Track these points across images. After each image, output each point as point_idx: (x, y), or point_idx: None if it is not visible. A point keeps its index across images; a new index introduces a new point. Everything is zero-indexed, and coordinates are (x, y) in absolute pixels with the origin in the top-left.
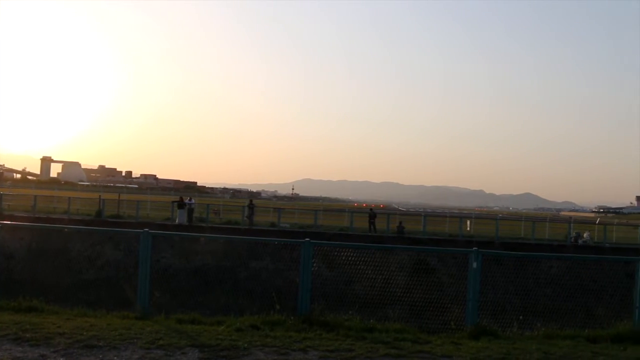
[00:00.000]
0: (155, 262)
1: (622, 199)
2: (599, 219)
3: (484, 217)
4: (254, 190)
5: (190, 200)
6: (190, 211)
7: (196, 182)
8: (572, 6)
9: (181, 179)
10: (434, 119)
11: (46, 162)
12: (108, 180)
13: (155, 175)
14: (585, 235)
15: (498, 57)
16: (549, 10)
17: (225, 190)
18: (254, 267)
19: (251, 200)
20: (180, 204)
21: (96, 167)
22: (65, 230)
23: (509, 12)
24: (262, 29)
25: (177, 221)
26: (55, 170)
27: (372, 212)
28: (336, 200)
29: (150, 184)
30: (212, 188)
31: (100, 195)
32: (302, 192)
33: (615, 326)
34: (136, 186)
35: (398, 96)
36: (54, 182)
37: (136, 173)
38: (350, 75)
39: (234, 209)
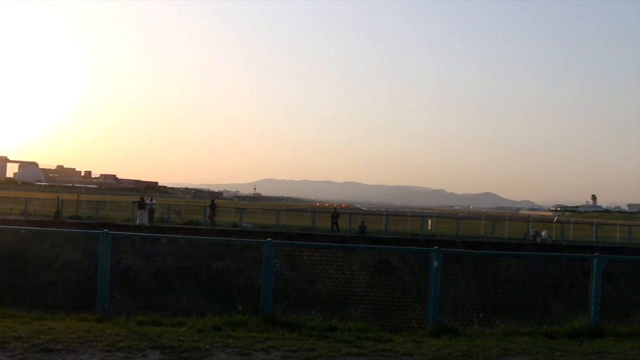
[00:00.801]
0: (116, 264)
1: (578, 198)
2: (556, 218)
3: (444, 216)
4: (216, 190)
5: (151, 200)
6: (151, 212)
7: (157, 182)
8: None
9: (142, 179)
10: (395, 120)
11: (2, 162)
12: (67, 181)
13: (115, 176)
14: (543, 233)
15: (451, 58)
16: (501, 11)
17: (186, 191)
18: (216, 268)
19: (213, 201)
20: (141, 205)
21: (54, 167)
22: (22, 231)
23: (458, 12)
24: (226, 30)
25: (137, 222)
26: (11, 170)
27: (335, 212)
28: (298, 200)
29: (110, 184)
30: (173, 188)
31: (58, 196)
32: (265, 192)
33: (572, 322)
34: (95, 186)
35: (359, 97)
36: (10, 182)
37: (95, 173)
38: (311, 76)
39: (196, 209)
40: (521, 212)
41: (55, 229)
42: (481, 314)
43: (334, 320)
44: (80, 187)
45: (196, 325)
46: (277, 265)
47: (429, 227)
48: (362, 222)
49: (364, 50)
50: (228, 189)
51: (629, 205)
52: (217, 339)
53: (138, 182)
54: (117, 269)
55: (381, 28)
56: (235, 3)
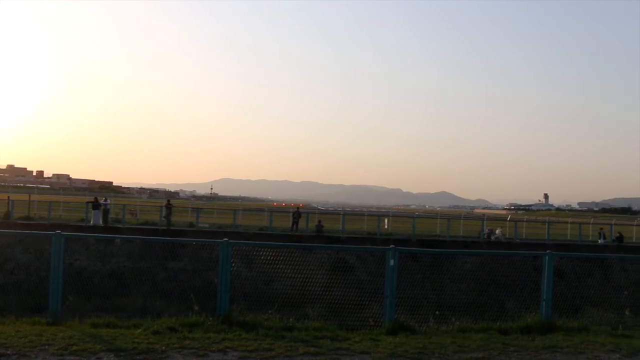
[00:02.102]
0: (69, 265)
1: (531, 196)
2: (510, 216)
3: (401, 215)
4: (172, 190)
5: (105, 200)
6: (106, 212)
7: (112, 182)
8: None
9: (96, 179)
10: (352, 120)
11: None
12: (18, 181)
13: (68, 175)
14: (497, 231)
15: (407, 57)
16: (459, 13)
17: (142, 190)
18: (172, 268)
19: (169, 201)
20: (95, 205)
21: (5, 167)
22: None
23: (418, 14)
24: (180, 30)
25: (91, 222)
26: None
27: (297, 212)
28: (256, 199)
29: (64, 184)
30: (128, 188)
31: (9, 196)
32: (221, 192)
33: (525, 318)
34: (48, 186)
35: (314, 96)
36: None
37: (48, 173)
38: (267, 75)
39: (151, 210)
40: (476, 210)
41: (6, 231)
42: (437, 312)
43: (291, 319)
44: (32, 187)
45: (152, 326)
46: (234, 265)
47: (386, 226)
48: (319, 222)
49: (317, 48)
50: (184, 189)
51: (579, 203)
52: (173, 341)
53: (92, 182)
54: (71, 270)
55: (331, 24)
56: (191, 3)
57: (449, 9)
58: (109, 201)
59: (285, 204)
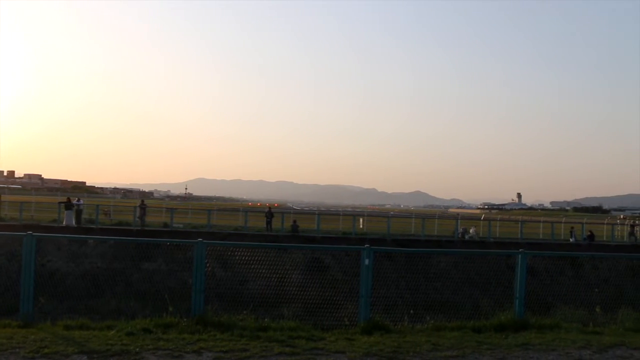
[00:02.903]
0: (41, 267)
1: (504, 196)
2: (483, 215)
3: (376, 215)
4: (146, 190)
5: (78, 200)
6: (79, 212)
7: (85, 182)
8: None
9: (69, 179)
10: (327, 120)
11: None
12: None
13: (40, 175)
14: (471, 230)
15: (376, 56)
16: (431, 14)
17: (115, 191)
18: (146, 269)
19: (143, 201)
20: (68, 205)
21: None
22: None
23: (390, 14)
24: (151, 29)
25: (64, 223)
26: None
27: (269, 212)
28: (230, 199)
29: (35, 184)
30: (102, 188)
31: None
32: (196, 192)
33: (498, 316)
34: (20, 186)
35: (290, 96)
36: None
37: (19, 173)
38: (242, 75)
39: (125, 210)
40: (450, 210)
41: None
42: (411, 311)
43: (266, 319)
44: (3, 188)
45: (126, 328)
46: (208, 265)
47: (361, 226)
48: (295, 221)
49: (292, 48)
50: (159, 189)
51: (551, 202)
52: (147, 342)
53: (65, 182)
54: (43, 272)
55: (306, 24)
56: (165, 2)
57: (424, 9)
58: (82, 201)
59: (260, 204)
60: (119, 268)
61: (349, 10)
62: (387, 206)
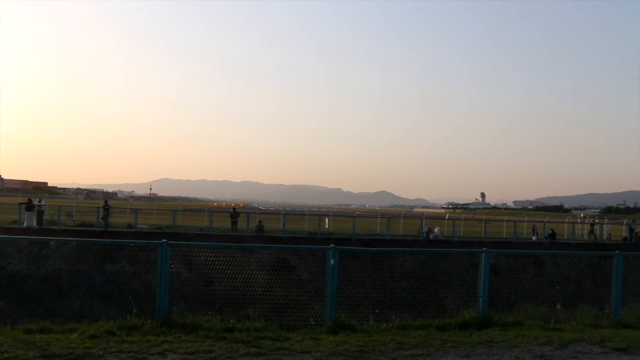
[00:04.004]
0: (0, 269)
1: (469, 195)
2: (448, 215)
3: (341, 214)
4: (110, 190)
5: (39, 201)
6: (40, 213)
7: (47, 183)
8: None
9: (30, 179)
10: (292, 119)
11: None
12: None
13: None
14: (436, 230)
15: (347, 57)
16: (392, 11)
17: (78, 191)
18: (110, 271)
19: (106, 201)
20: (29, 206)
21: None
22: None
23: (354, 12)
24: (121, 25)
25: (25, 224)
26: None
27: (234, 212)
28: (195, 200)
29: None
30: (64, 189)
31: None
32: (161, 192)
33: (462, 314)
34: None
35: (255, 95)
36: None
37: None
38: (206, 74)
39: (88, 211)
40: (415, 209)
41: None
42: (377, 310)
43: (232, 320)
44: None
45: (88, 330)
46: (173, 266)
47: (326, 226)
48: (260, 222)
49: (255, 47)
50: (122, 189)
51: (514, 202)
52: (110, 345)
53: (25, 182)
54: (2, 274)
55: (270, 23)
56: (120, 1)
57: (387, 9)
58: (43, 202)
59: (226, 204)
60: (81, 270)
61: (314, 9)
62: (353, 206)
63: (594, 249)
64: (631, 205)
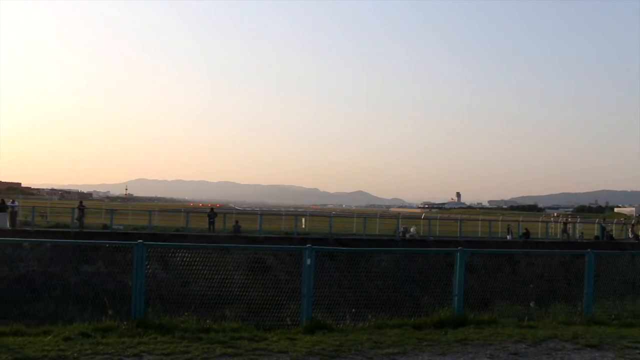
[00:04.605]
0: None
1: (444, 195)
2: (424, 214)
3: (318, 214)
4: (85, 191)
5: (13, 202)
6: (14, 214)
7: (20, 183)
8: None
9: (2, 180)
10: (269, 119)
11: None
12: None
13: None
14: (412, 229)
15: (325, 56)
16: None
17: (53, 192)
18: (85, 272)
19: (81, 202)
20: (2, 207)
21: None
22: None
23: (341, 12)
24: (87, 28)
25: None
26: None
27: (211, 212)
28: (172, 200)
29: None
30: (38, 189)
31: None
32: (137, 193)
33: (438, 313)
34: None
35: (232, 95)
36: None
37: None
38: (182, 74)
39: (63, 212)
40: (391, 209)
41: None
42: (353, 309)
43: (208, 321)
44: None
45: (63, 333)
46: (149, 267)
47: (303, 226)
48: (237, 222)
49: (233, 46)
50: (98, 190)
51: (489, 201)
52: (85, 347)
53: None
54: None
55: (246, 25)
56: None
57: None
58: (16, 203)
59: (202, 205)
60: (56, 271)
61: (296, 10)
62: (329, 206)
63: (566, 247)
64: (603, 204)
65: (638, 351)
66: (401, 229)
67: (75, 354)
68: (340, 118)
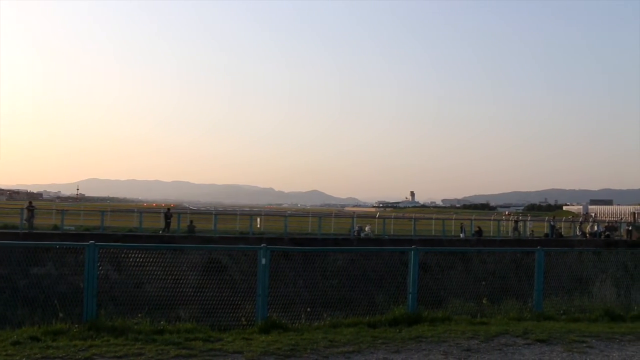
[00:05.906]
0: None
1: (398, 194)
2: (378, 214)
3: (273, 214)
4: (35, 191)
5: None
6: None
7: None
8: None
9: None
10: (224, 119)
11: None
12: None
13: None
14: (367, 228)
15: (293, 57)
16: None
17: (0, 192)
18: (35, 274)
19: (30, 202)
20: None
21: None
22: None
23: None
24: (52, 23)
25: None
26: None
27: (168, 212)
28: (125, 200)
29: None
30: None
31: None
32: (89, 193)
33: (393, 311)
34: None
35: (189, 94)
36: None
37: None
38: (137, 72)
39: (12, 212)
40: (346, 208)
41: None
42: (309, 308)
43: (162, 322)
44: None
45: (11, 337)
46: (101, 268)
47: (258, 225)
48: (191, 222)
49: (206, 46)
50: (48, 190)
51: (443, 200)
52: (35, 351)
53: None
54: None
55: (213, 24)
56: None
57: (300, 3)
58: None
59: (156, 205)
60: (4, 274)
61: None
62: (285, 205)
63: (517, 245)
64: (552, 203)
65: (585, 345)
66: (356, 228)
67: (24, 359)
68: (293, 117)
